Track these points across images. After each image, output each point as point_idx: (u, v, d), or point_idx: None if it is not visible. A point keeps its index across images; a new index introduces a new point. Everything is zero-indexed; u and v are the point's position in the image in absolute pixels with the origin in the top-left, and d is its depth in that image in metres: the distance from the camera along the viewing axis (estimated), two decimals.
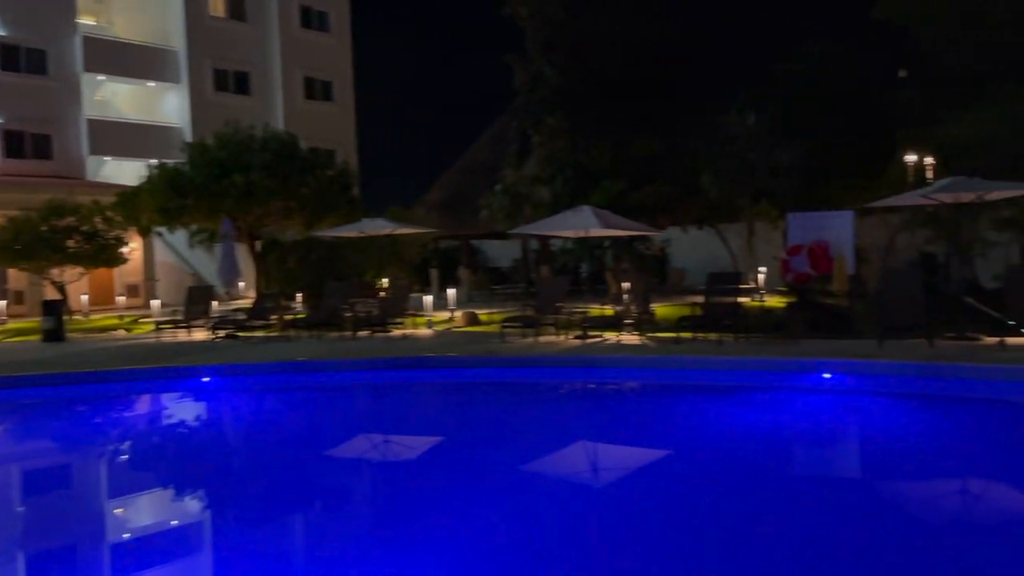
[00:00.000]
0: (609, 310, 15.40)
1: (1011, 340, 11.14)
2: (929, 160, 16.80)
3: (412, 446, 8.25)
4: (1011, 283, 12.08)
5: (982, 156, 13.18)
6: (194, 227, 20.88)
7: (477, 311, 18.27)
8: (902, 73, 19.52)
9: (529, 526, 5.37)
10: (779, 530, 5.20)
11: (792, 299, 18.02)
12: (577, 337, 13.26)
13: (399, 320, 15.29)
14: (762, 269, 21.04)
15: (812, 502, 5.88)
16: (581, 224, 13.86)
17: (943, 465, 6.80)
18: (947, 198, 12.21)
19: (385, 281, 19.89)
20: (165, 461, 7.93)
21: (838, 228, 13.88)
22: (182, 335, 15.80)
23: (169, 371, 11.47)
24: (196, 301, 16.38)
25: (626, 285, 14.52)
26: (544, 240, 25.89)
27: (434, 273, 25.99)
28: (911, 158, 18.36)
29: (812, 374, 9.82)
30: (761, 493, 6.06)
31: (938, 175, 14.75)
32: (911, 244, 19.53)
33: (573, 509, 5.80)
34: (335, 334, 14.99)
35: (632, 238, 21.15)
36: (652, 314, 13.92)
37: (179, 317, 16.14)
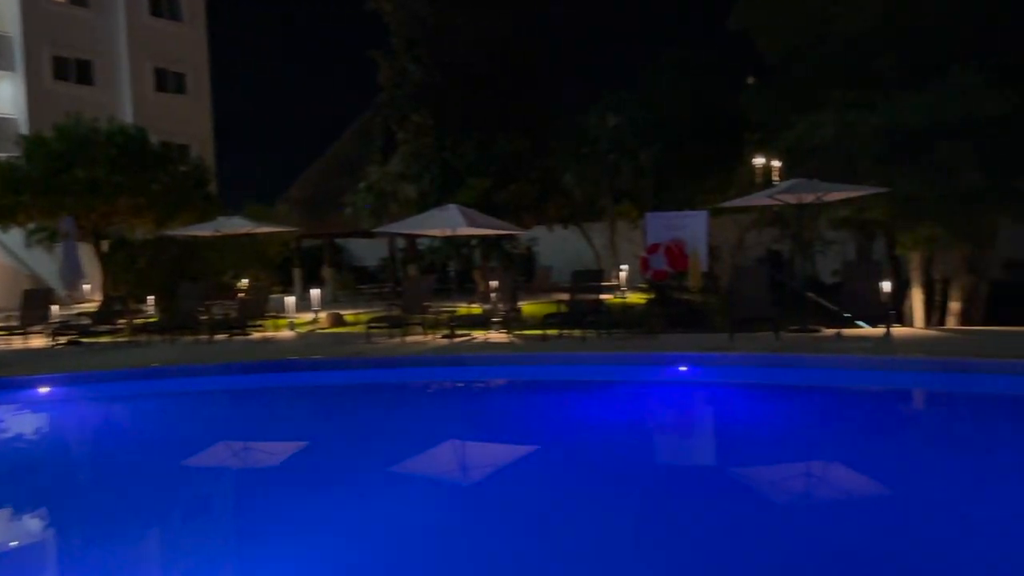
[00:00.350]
0: (477, 309, 15.46)
1: (847, 331, 12.03)
2: (776, 163, 17.87)
3: (274, 452, 7.95)
4: (847, 278, 13.05)
5: (821, 159, 14.13)
6: (31, 225, 19.34)
7: (342, 312, 17.89)
8: (751, 80, 20.64)
9: (398, 528, 5.28)
10: (646, 517, 5.39)
11: (652, 296, 18.74)
12: (445, 336, 13.21)
13: (259, 322, 14.73)
14: (624, 267, 21.72)
15: (673, 488, 6.12)
16: (448, 223, 13.82)
17: (787, 449, 7.22)
18: (790, 199, 13.01)
19: (245, 282, 19.12)
20: None
21: (693, 227, 14.52)
22: (17, 342, 14.57)
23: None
24: (33, 305, 15.13)
25: (494, 284, 14.61)
26: (411, 239, 25.68)
27: (297, 273, 25.25)
28: (759, 161, 19.48)
29: (670, 367, 10.22)
30: (626, 482, 6.26)
31: (784, 177, 15.69)
32: (759, 242, 20.74)
33: (443, 508, 5.75)
34: (190, 338, 14.25)
35: (499, 237, 21.33)
36: (519, 312, 14.08)
37: (14, 323, 14.87)
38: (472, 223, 13.92)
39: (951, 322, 15.06)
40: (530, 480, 6.43)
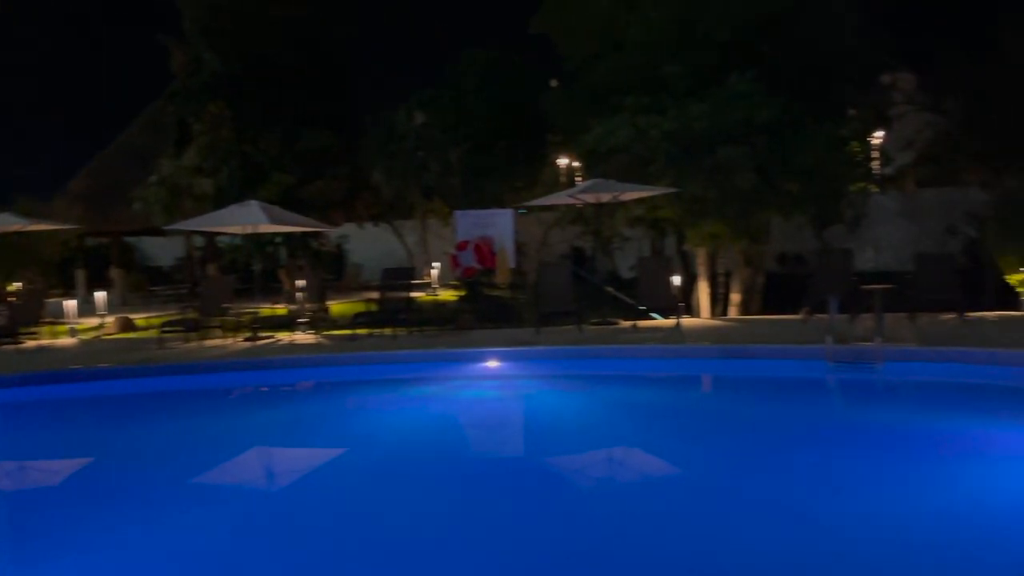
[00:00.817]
0: (282, 309, 14.91)
1: (642, 323, 12.79)
2: (577, 163, 18.65)
3: (54, 471, 7.22)
4: (641, 273, 13.87)
5: (617, 161, 14.91)
6: None
7: (133, 316, 16.61)
8: (554, 83, 21.39)
9: (201, 540, 4.96)
10: (462, 511, 5.43)
11: (463, 292, 18.97)
12: (247, 339, 12.63)
13: (33, 330, 13.34)
14: (436, 264, 21.82)
15: (486, 479, 6.22)
16: (249, 219, 13.19)
17: (590, 436, 7.55)
18: (589, 198, 13.65)
19: (17, 285, 17.22)
20: None
21: (501, 225, 14.85)
22: None
23: None
24: None
25: (301, 283, 14.14)
26: (211, 236, 24.27)
27: (80, 274, 23.12)
28: (563, 161, 20.25)
29: (480, 362, 10.39)
30: (437, 476, 6.28)
31: (585, 177, 16.41)
32: (563, 239, 21.56)
33: (249, 516, 5.48)
34: None
35: (306, 234, 20.68)
36: (327, 312, 13.74)
37: None
38: (275, 219, 13.38)
39: (733, 312, 16.44)
40: (341, 483, 6.28)
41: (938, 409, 8.16)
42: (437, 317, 14.08)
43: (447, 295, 19.99)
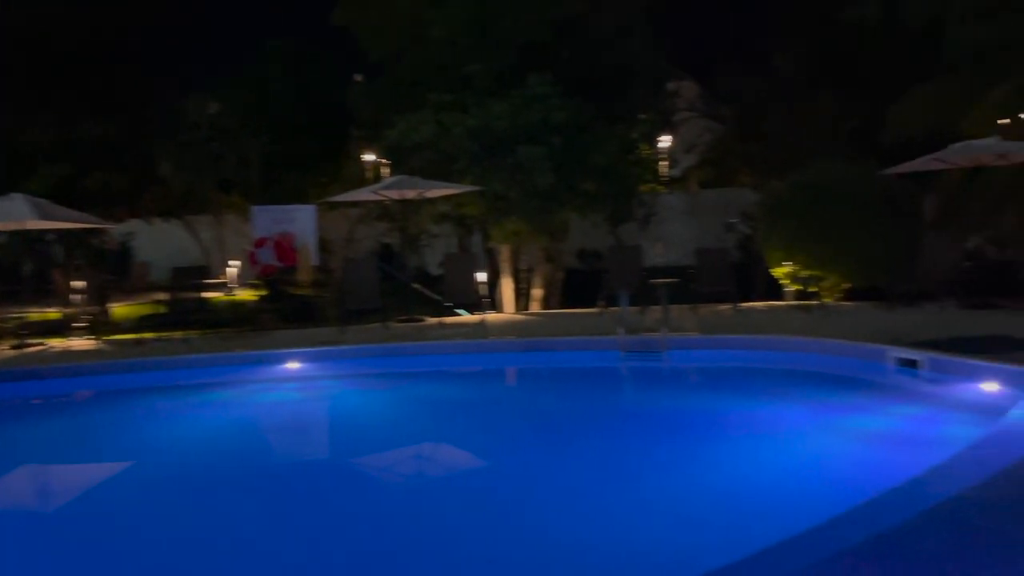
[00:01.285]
0: (55, 313, 13.58)
1: (449, 319, 12.92)
2: (385, 159, 18.45)
3: None
4: (448, 270, 14.00)
5: (423, 158, 14.93)
6: None
7: None
8: (358, 77, 21.03)
9: None
10: (264, 519, 5.21)
11: (264, 292, 18.19)
12: (14, 347, 11.39)
13: None
14: (235, 263, 20.77)
15: (292, 483, 6.06)
16: (14, 215, 11.87)
17: (398, 434, 7.51)
18: (394, 195, 13.57)
19: None
20: None
21: (302, 221, 14.40)
22: None
23: None
24: None
25: (79, 284, 12.93)
26: None
27: None
28: (370, 157, 19.96)
29: (281, 364, 10.02)
30: (236, 488, 5.98)
31: (393, 173, 16.26)
32: (370, 236, 21.26)
33: (19, 539, 4.94)
34: None
35: (84, 231, 18.94)
36: (108, 315, 12.69)
37: None
38: (45, 215, 12.13)
39: (535, 307, 17.00)
40: (128, 501, 5.82)
41: (714, 391, 8.99)
42: (235, 318, 13.43)
43: (246, 295, 19.09)
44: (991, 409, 6.52)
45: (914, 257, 12.65)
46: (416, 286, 14.92)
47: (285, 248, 14.14)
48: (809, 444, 6.56)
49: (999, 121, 14.93)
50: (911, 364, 7.95)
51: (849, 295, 13.72)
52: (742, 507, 5.04)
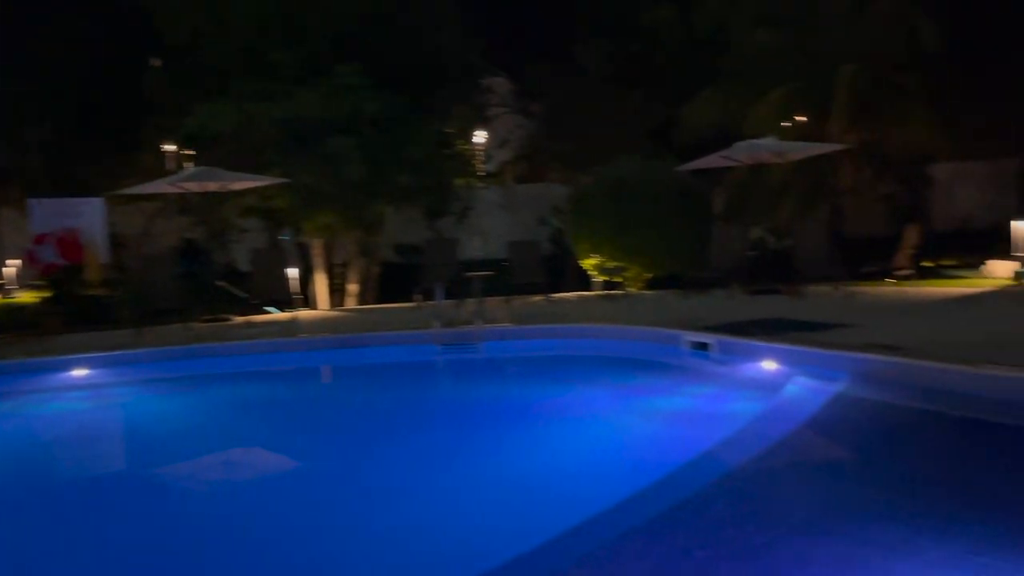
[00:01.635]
0: None
1: (257, 318, 12.40)
2: (188, 150, 17.33)
3: None
4: (256, 266, 13.43)
5: (227, 148, 14.18)
6: None
7: None
8: (156, 63, 19.60)
9: None
10: (52, 540, 4.72)
11: (48, 293, 16.58)
12: None
13: None
14: (14, 262, 18.80)
15: (89, 501, 5.55)
16: None
17: (204, 439, 7.10)
18: (194, 187, 12.82)
19: None
20: None
21: (88, 215, 13.25)
22: None
23: None
24: None
25: None
26: None
27: None
28: (171, 147, 18.66)
29: (67, 371, 9.19)
30: (15, 510, 5.40)
31: (197, 164, 15.32)
32: (171, 230, 19.93)
33: None
34: None
35: None
36: None
37: None
38: None
39: (350, 302, 16.66)
40: None
41: (524, 379, 9.27)
42: (14, 322, 12.16)
43: (28, 296, 17.32)
44: (769, 386, 7.17)
45: (706, 247, 13.67)
46: (221, 284, 14.18)
47: (69, 244, 12.92)
48: (612, 425, 6.90)
49: (783, 124, 16.47)
50: (703, 347, 8.56)
51: (651, 284, 14.59)
52: (550, 489, 5.20)
